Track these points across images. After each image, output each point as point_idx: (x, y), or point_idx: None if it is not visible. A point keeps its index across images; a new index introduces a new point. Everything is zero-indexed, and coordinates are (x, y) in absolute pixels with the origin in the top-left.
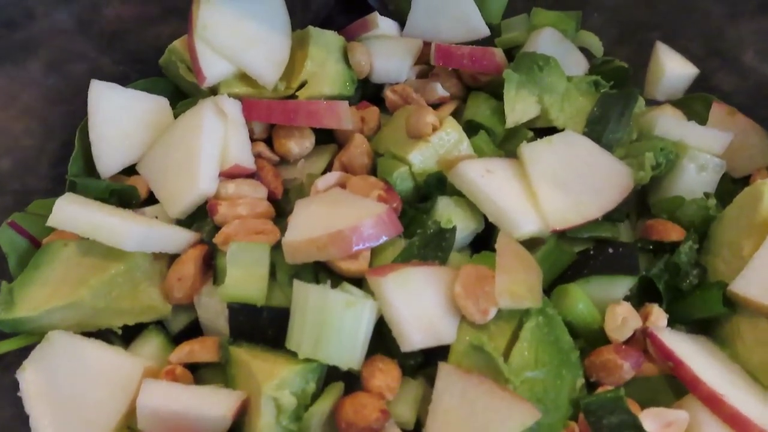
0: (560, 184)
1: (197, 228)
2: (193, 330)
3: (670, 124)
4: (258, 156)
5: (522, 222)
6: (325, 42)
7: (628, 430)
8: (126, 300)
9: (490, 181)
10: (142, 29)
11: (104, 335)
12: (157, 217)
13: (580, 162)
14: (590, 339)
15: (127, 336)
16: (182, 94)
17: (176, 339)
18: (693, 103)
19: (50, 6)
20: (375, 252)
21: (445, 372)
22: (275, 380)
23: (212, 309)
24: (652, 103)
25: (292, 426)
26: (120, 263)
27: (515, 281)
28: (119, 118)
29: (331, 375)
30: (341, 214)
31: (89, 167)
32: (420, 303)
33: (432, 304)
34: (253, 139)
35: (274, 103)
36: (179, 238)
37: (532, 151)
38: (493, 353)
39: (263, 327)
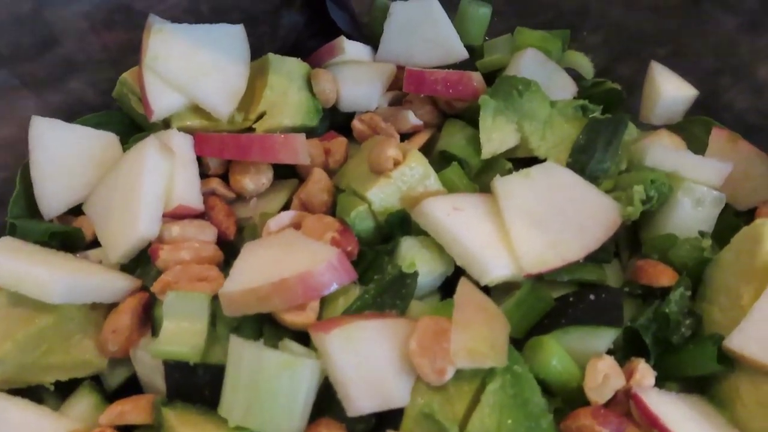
0: (537, 221)
1: (141, 274)
2: (133, 386)
3: (662, 153)
4: (212, 193)
5: (492, 265)
6: (286, 69)
7: None
8: (57, 354)
9: (457, 220)
10: (100, 59)
11: (36, 392)
12: (101, 262)
13: (561, 197)
14: (568, 398)
15: (64, 391)
16: (138, 127)
17: (114, 395)
18: (693, 128)
19: None
20: (326, 302)
21: None
22: None
23: (149, 364)
24: (648, 128)
25: None
26: (49, 315)
27: (475, 337)
28: (63, 156)
29: None
30: (288, 260)
31: (32, 208)
32: (369, 362)
33: (383, 362)
34: (208, 175)
35: (227, 137)
36: (115, 286)
37: (507, 185)
38: (445, 422)
39: (200, 387)
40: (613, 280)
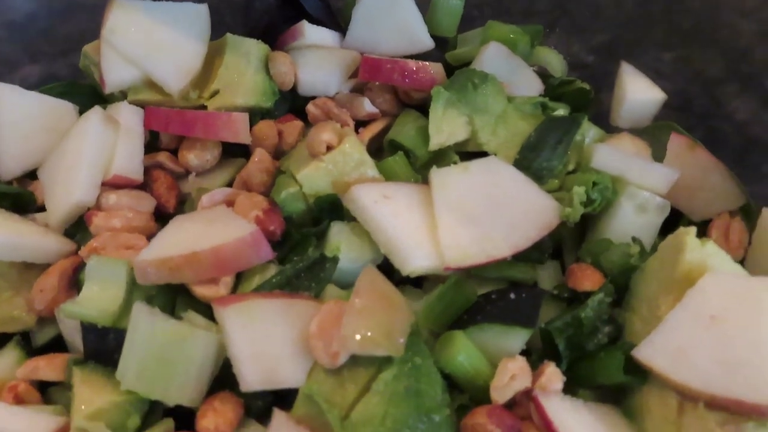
0: (468, 216)
1: (80, 239)
2: (58, 345)
3: (608, 155)
4: (159, 167)
5: (413, 256)
6: (244, 50)
7: None
8: None
9: (384, 208)
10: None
11: None
12: (47, 225)
13: (497, 193)
14: (476, 396)
15: None
16: (103, 99)
17: (40, 353)
18: (659, 133)
19: None
20: (242, 278)
21: (276, 420)
22: (90, 410)
23: (71, 325)
24: (617, 131)
25: None
26: None
27: (370, 324)
28: (21, 121)
29: (175, 410)
30: (206, 234)
31: None
32: (266, 340)
33: (281, 342)
34: (160, 149)
35: (173, 112)
36: (49, 248)
37: (443, 176)
38: (323, 404)
39: (110, 350)
40: (547, 281)
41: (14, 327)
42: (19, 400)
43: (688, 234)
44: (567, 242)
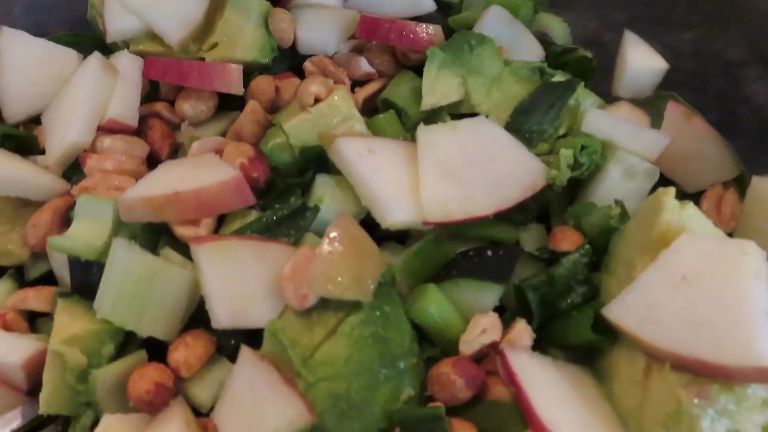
0: (451, 173)
1: (76, 182)
2: (49, 280)
3: (599, 120)
4: (156, 115)
5: (392, 209)
6: (245, 5)
7: None
8: None
9: (368, 161)
10: None
11: None
12: (47, 167)
13: (483, 152)
14: (447, 350)
15: None
16: (107, 49)
17: (31, 286)
18: (659, 104)
19: None
20: (224, 223)
21: (243, 356)
22: (66, 335)
23: (61, 260)
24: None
25: (78, 386)
26: None
27: (338, 268)
28: (26, 67)
29: (149, 344)
30: (191, 177)
31: None
32: (239, 280)
33: (254, 283)
34: (159, 99)
35: (171, 62)
36: (44, 186)
37: (430, 133)
38: (286, 341)
39: (93, 284)
40: (529, 243)
41: (9, 260)
42: (6, 327)
43: (667, 194)
44: (555, 207)
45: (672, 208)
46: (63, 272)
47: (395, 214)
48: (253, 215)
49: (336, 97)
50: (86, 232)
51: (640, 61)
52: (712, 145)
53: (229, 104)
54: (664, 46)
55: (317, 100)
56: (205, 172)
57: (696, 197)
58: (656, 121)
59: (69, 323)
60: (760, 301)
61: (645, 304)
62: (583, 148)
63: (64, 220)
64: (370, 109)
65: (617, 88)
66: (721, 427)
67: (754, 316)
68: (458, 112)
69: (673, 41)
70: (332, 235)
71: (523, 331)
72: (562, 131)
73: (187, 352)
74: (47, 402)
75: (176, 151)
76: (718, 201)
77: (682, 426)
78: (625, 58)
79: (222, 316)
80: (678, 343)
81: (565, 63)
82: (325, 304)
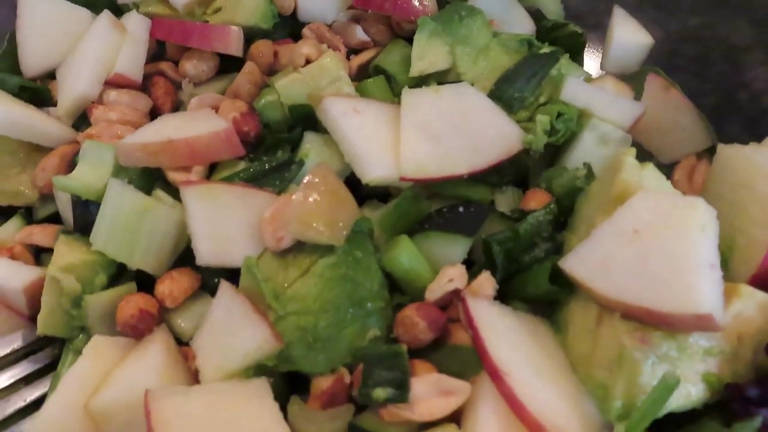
0: (431, 134)
1: (84, 131)
2: (56, 221)
3: (577, 88)
4: (160, 74)
5: (373, 165)
6: None
7: (393, 386)
8: None
9: (352, 120)
10: None
11: None
12: (59, 118)
13: (464, 116)
14: (416, 298)
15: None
16: (119, 10)
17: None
18: (642, 78)
19: None
20: (215, 171)
21: (222, 289)
22: (63, 263)
23: (66, 200)
24: None
25: (73, 311)
26: None
27: (313, 213)
28: (44, 25)
29: (140, 281)
30: (185, 127)
31: (15, 67)
32: (224, 221)
33: (237, 225)
34: (165, 59)
35: (175, 22)
36: (53, 133)
37: (413, 96)
38: (259, 276)
39: (93, 222)
40: (504, 205)
41: (19, 201)
42: (13, 259)
43: (627, 154)
44: (532, 173)
45: (631, 168)
46: (68, 213)
47: (375, 170)
48: (242, 166)
49: (326, 60)
50: (88, 175)
51: (627, 37)
52: (687, 117)
53: (230, 67)
54: (669, 31)
55: (308, 62)
56: (199, 123)
57: (672, 169)
58: (640, 95)
59: (67, 253)
60: (704, 253)
61: (598, 257)
62: (559, 115)
63: (70, 165)
64: (363, 76)
65: (605, 63)
66: (661, 371)
67: (698, 268)
68: (446, 80)
69: (678, 26)
70: (309, 181)
71: (486, 281)
72: (542, 100)
73: (172, 285)
74: (44, 323)
75: (177, 108)
76: (691, 171)
77: (624, 369)
78: (613, 34)
79: (205, 254)
80: (626, 293)
81: (556, 38)
82: (300, 247)
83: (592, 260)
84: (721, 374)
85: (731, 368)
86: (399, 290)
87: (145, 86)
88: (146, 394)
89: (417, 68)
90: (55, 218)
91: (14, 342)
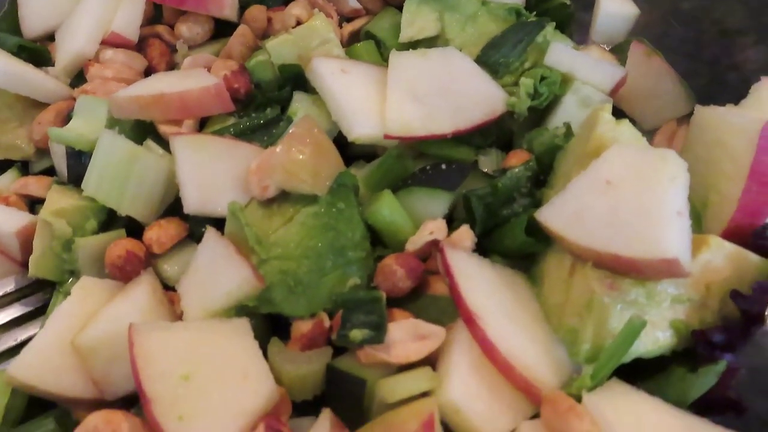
0: (417, 95)
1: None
2: (52, 174)
3: (560, 53)
4: (156, 36)
5: (358, 123)
6: None
7: (370, 328)
8: None
9: (340, 79)
10: None
11: None
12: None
13: (449, 78)
14: (397, 251)
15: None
16: None
17: None
18: (627, 48)
19: None
20: (206, 126)
21: (207, 234)
22: (54, 207)
23: (60, 153)
24: None
25: (63, 254)
26: None
27: (297, 163)
28: None
29: (128, 228)
30: (178, 83)
31: (16, 27)
32: (211, 171)
33: (224, 176)
34: (162, 23)
35: None
36: (49, 89)
37: (401, 58)
38: (242, 219)
39: (84, 172)
40: (487, 165)
41: (16, 155)
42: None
43: (603, 110)
44: (516, 136)
45: (606, 123)
46: (62, 166)
47: (361, 128)
48: (232, 122)
49: (316, 21)
50: (82, 127)
51: (613, 7)
52: (668, 82)
53: (224, 31)
54: (663, 12)
55: (299, 23)
56: (191, 80)
57: (653, 135)
58: (624, 65)
59: (59, 199)
60: (673, 202)
61: (573, 208)
62: (543, 78)
63: (66, 120)
64: (354, 43)
65: (593, 34)
66: (629, 316)
67: (666, 216)
68: (434, 47)
69: (670, 7)
70: (294, 132)
71: (465, 233)
72: (527, 65)
73: (160, 231)
74: (36, 265)
75: (172, 69)
76: (671, 135)
77: (594, 314)
78: (600, 4)
79: (192, 202)
80: (598, 241)
81: (546, 10)
82: (284, 197)
83: (567, 211)
84: (689, 321)
85: (699, 316)
86: (381, 244)
87: (141, 48)
88: (130, 327)
89: (406, 34)
90: (50, 172)
91: (6, 286)
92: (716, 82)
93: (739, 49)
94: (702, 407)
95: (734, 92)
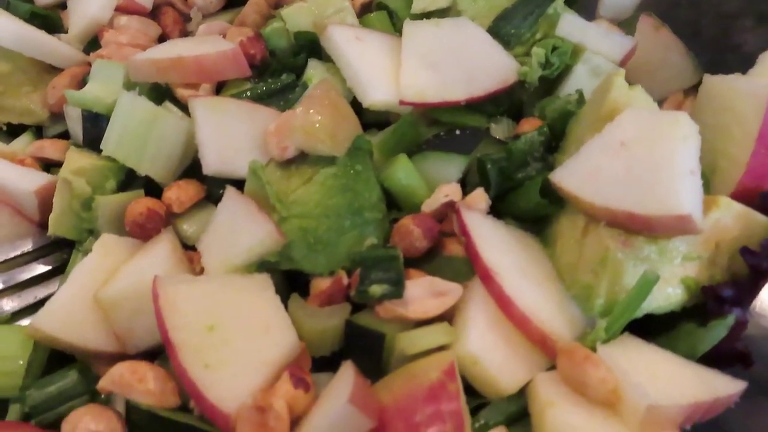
0: (431, 63)
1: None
2: (66, 138)
3: (571, 23)
4: (169, 4)
5: (373, 89)
6: None
7: (387, 284)
8: (9, 98)
9: (355, 47)
10: None
11: None
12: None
13: (461, 47)
14: (412, 213)
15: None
16: None
17: None
18: (635, 22)
19: None
20: (222, 91)
21: (227, 193)
22: (74, 166)
23: (75, 116)
24: None
25: (83, 213)
26: (7, 64)
27: (316, 123)
28: None
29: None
30: (195, 48)
31: None
32: (230, 133)
33: (243, 137)
34: None
35: None
36: (64, 53)
37: (415, 27)
38: (264, 178)
39: (102, 137)
40: (498, 133)
41: (30, 119)
42: None
43: (617, 75)
44: (526, 105)
45: (620, 88)
46: (77, 129)
47: (376, 94)
48: (248, 86)
49: None
50: (99, 90)
51: None
52: (676, 54)
53: (238, 1)
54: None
55: None
56: (208, 45)
57: (660, 105)
58: None
59: (78, 159)
60: (685, 162)
61: (587, 169)
62: (554, 49)
63: (81, 85)
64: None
65: (600, 8)
66: (642, 270)
67: (679, 174)
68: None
69: None
70: (312, 94)
71: (479, 196)
72: (538, 36)
73: (179, 191)
74: (55, 223)
75: (184, 36)
76: (678, 106)
77: (608, 270)
78: None
79: (212, 162)
80: (612, 200)
81: None
82: (303, 158)
83: (581, 172)
84: (699, 278)
85: (708, 273)
86: (395, 207)
87: (154, 16)
88: (154, 279)
89: (419, 5)
90: (62, 137)
91: (24, 246)
92: (715, 63)
93: (737, 33)
94: (710, 360)
95: (733, 71)
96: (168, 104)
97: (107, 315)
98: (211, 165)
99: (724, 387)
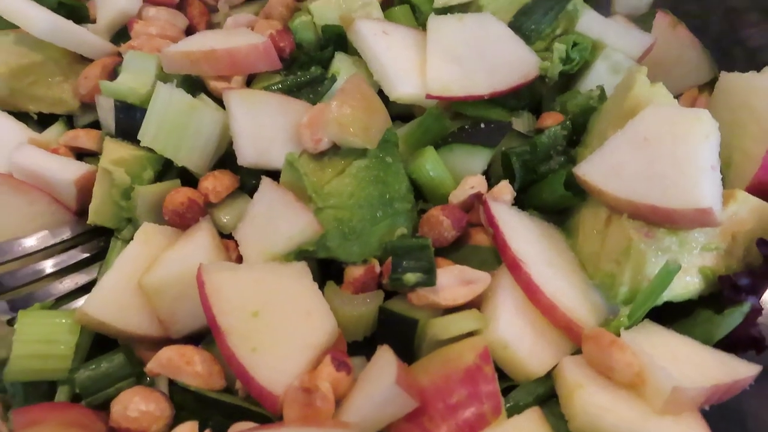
0: (455, 57)
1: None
2: (96, 128)
3: (591, 20)
4: None
5: (400, 83)
6: None
7: (420, 272)
8: (40, 88)
9: (382, 40)
10: None
11: (23, 119)
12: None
13: (485, 42)
14: (438, 204)
15: (46, 125)
16: None
17: None
18: (651, 19)
19: None
20: (252, 84)
21: (264, 184)
22: (114, 156)
23: (107, 107)
24: None
25: (122, 202)
26: (39, 53)
27: (349, 116)
28: None
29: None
30: (226, 41)
31: None
32: (264, 124)
33: (277, 129)
34: None
35: None
36: (95, 45)
37: (439, 22)
38: (300, 169)
39: (136, 127)
40: (520, 126)
41: (61, 109)
42: None
43: (639, 72)
44: (545, 100)
45: (642, 84)
46: (108, 119)
47: (402, 87)
48: (278, 79)
49: None
50: (132, 81)
51: None
52: (692, 51)
53: None
54: None
55: None
56: (238, 38)
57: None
58: None
59: (117, 149)
60: (707, 157)
61: (610, 163)
62: (575, 44)
63: (112, 75)
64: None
65: (615, 4)
66: (664, 261)
67: (700, 169)
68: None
69: None
70: (345, 87)
71: (504, 187)
72: (558, 32)
73: (215, 181)
74: (95, 212)
75: (211, 27)
76: (693, 101)
77: (631, 259)
78: None
79: (247, 154)
80: (635, 193)
81: None
82: (335, 150)
83: (605, 166)
84: (716, 268)
85: (725, 263)
86: (423, 198)
87: (180, 8)
88: (199, 267)
89: (441, 0)
90: (93, 127)
91: (63, 233)
92: (722, 56)
93: (744, 27)
94: (725, 346)
95: (739, 65)
96: (204, 96)
97: (151, 301)
98: (246, 156)
99: (742, 370)
